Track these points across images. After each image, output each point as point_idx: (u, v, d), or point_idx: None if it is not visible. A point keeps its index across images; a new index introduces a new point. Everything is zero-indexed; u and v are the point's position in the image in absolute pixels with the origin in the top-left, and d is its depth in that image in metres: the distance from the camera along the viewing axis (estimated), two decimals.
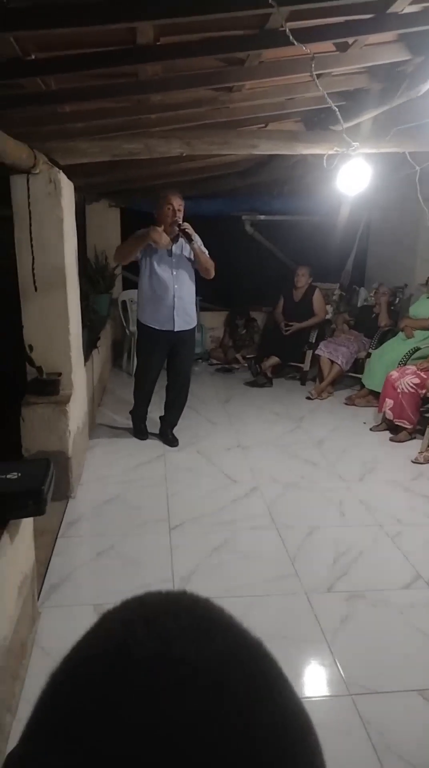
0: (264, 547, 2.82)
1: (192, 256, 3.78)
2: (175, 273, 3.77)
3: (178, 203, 3.67)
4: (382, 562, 2.73)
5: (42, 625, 2.25)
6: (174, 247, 3.76)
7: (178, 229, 3.64)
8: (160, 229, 3.61)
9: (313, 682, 2.03)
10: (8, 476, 1.92)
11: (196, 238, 3.71)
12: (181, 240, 3.73)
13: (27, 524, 2.10)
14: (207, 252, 3.81)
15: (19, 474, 1.93)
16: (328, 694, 1.98)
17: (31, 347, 3.18)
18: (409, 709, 1.91)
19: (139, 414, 4.22)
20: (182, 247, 3.78)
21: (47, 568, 2.61)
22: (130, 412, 4.28)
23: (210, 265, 3.79)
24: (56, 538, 2.85)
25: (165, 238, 3.63)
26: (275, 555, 2.76)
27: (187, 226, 3.64)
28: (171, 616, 0.37)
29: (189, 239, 3.65)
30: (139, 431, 4.21)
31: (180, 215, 3.66)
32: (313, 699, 1.95)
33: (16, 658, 1.92)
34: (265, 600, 2.42)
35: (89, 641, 0.39)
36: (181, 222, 3.64)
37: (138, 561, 2.69)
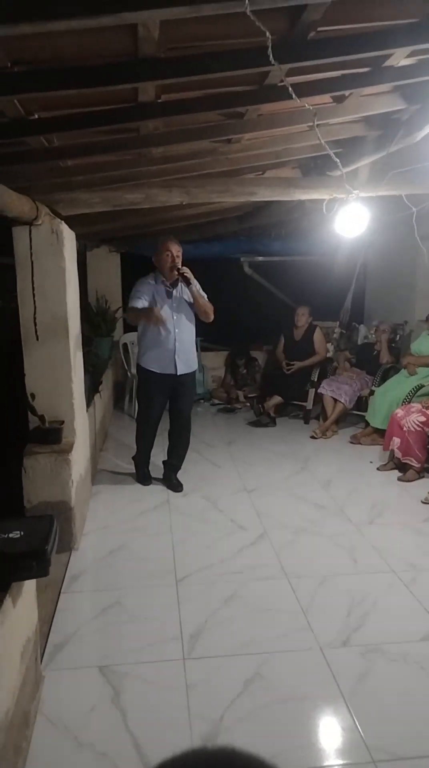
0: (275, 599, 2.72)
1: (191, 300, 3.80)
2: (175, 317, 3.79)
3: (176, 249, 3.72)
4: (398, 611, 2.63)
5: (46, 691, 2.14)
6: (174, 291, 3.79)
7: (176, 273, 3.68)
8: (158, 314, 3.62)
9: (333, 748, 1.91)
10: (10, 535, 1.86)
11: (195, 282, 3.74)
12: (181, 284, 3.76)
13: (30, 585, 2.02)
14: (206, 296, 3.83)
15: (22, 533, 1.87)
16: (349, 762, 1.86)
17: (33, 396, 3.15)
18: None
19: (141, 459, 4.16)
20: (182, 291, 3.81)
21: (50, 627, 2.51)
22: (133, 458, 4.22)
23: (209, 308, 3.81)
24: (59, 594, 2.76)
25: (160, 317, 3.63)
26: (287, 607, 2.66)
27: (185, 270, 3.69)
28: None
29: (187, 282, 3.69)
30: (143, 477, 4.14)
31: (178, 261, 3.71)
32: (334, 767, 1.84)
33: (18, 730, 1.82)
34: (279, 657, 2.32)
35: None
36: (180, 267, 3.68)
37: (145, 617, 2.59)
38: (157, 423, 4.05)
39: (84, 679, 2.21)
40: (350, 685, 2.16)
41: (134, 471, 4.21)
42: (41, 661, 2.24)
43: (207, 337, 6.76)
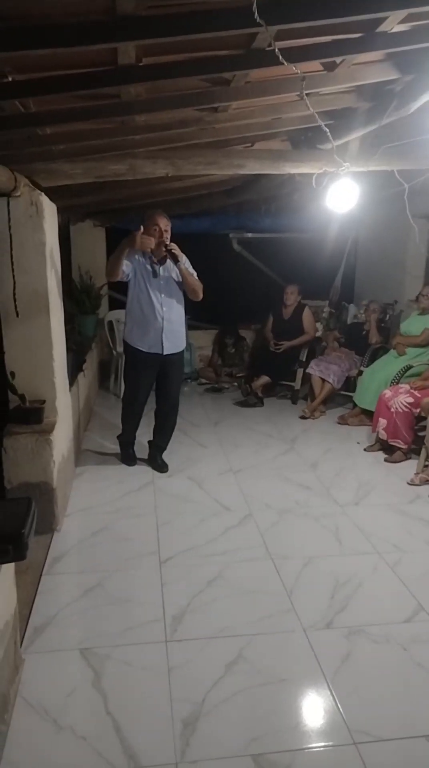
0: (259, 581, 2.70)
1: (179, 278, 3.70)
2: (163, 295, 3.69)
3: (164, 224, 3.60)
4: (382, 593, 2.62)
5: (25, 674, 2.11)
6: (161, 269, 3.68)
7: (164, 249, 3.57)
8: (137, 232, 3.46)
9: (315, 730, 1.91)
10: None
11: (184, 258, 3.64)
12: (169, 262, 3.65)
13: (7, 568, 1.97)
14: (195, 273, 3.73)
15: None
16: (331, 743, 1.85)
17: (13, 374, 3.07)
18: (418, 758, 1.80)
19: (127, 439, 4.11)
20: (170, 269, 3.70)
21: (31, 609, 2.48)
22: (118, 437, 4.16)
23: (198, 286, 3.72)
24: (41, 576, 2.72)
25: (143, 240, 3.46)
26: (271, 589, 2.64)
27: (173, 246, 3.57)
28: None
29: (175, 260, 3.58)
30: (127, 457, 4.09)
31: (167, 236, 3.59)
32: (315, 749, 1.84)
33: None
34: (262, 639, 2.31)
35: None
36: (168, 242, 3.57)
37: (127, 599, 2.56)
38: (144, 403, 3.99)
39: (65, 661, 2.19)
40: (333, 667, 2.15)
41: (119, 451, 4.15)
42: (21, 644, 2.21)
43: (195, 315, 6.66)
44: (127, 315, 3.84)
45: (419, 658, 2.20)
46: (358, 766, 1.76)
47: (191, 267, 3.73)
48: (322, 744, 1.86)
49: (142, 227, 3.50)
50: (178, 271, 3.67)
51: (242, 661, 2.18)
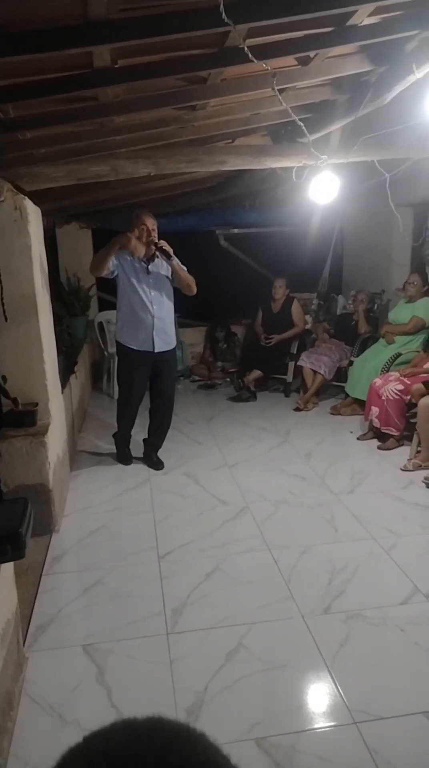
0: (257, 571, 2.75)
1: (170, 274, 3.72)
2: (153, 293, 3.71)
3: (151, 223, 3.61)
4: (379, 577, 2.67)
5: (30, 672, 2.14)
6: (150, 267, 3.69)
7: (154, 247, 3.59)
8: (132, 234, 3.54)
9: (317, 712, 1.95)
10: None
11: (174, 256, 3.65)
12: (158, 259, 3.66)
13: (6, 568, 2.00)
14: (186, 269, 3.75)
15: None
16: (332, 724, 1.90)
17: (4, 378, 3.09)
18: (416, 734, 1.85)
19: (122, 439, 4.12)
20: (159, 266, 3.72)
21: (32, 609, 2.51)
22: (114, 436, 4.18)
23: (191, 281, 3.74)
24: (41, 576, 2.75)
25: (136, 243, 3.56)
26: (269, 578, 2.68)
27: (163, 243, 3.59)
28: None
29: (168, 256, 3.60)
30: (123, 456, 4.11)
31: (154, 234, 3.61)
32: (318, 730, 1.88)
33: (2, 710, 1.82)
34: (262, 627, 2.35)
35: None
36: (157, 240, 3.59)
37: (127, 594, 2.60)
38: (138, 402, 3.99)
39: (68, 658, 2.22)
40: (332, 651, 2.19)
41: (115, 450, 4.17)
42: (24, 643, 2.24)
43: (185, 312, 6.69)
44: (117, 314, 3.86)
45: (416, 638, 2.25)
46: (359, 745, 1.80)
47: (181, 263, 3.74)
48: (324, 725, 1.90)
49: (136, 231, 3.55)
50: (167, 268, 3.69)
51: (243, 650, 2.22)
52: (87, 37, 1.55)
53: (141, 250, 3.63)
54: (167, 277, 3.75)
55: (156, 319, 3.72)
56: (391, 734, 1.84)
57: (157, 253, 3.60)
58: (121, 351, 3.88)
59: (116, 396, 4.13)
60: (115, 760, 0.34)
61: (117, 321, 3.88)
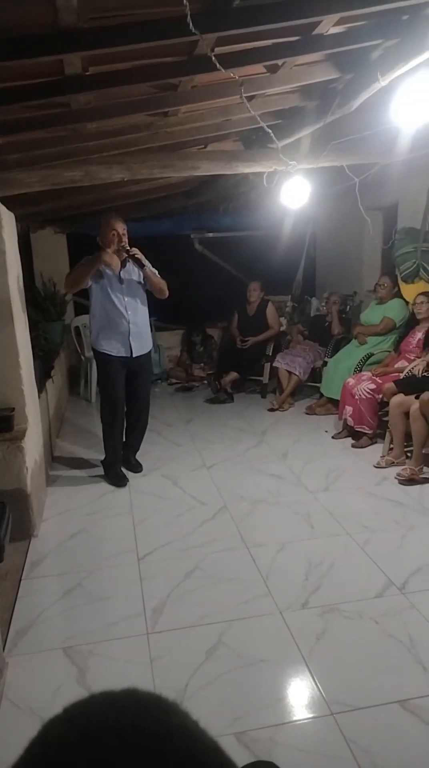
0: (236, 569, 2.78)
1: (142, 280, 3.72)
2: (126, 299, 3.69)
3: (121, 228, 3.60)
4: (354, 572, 2.73)
5: (10, 676, 2.14)
6: (122, 273, 3.67)
7: (126, 254, 3.58)
8: (110, 250, 3.56)
9: (295, 705, 1.99)
10: None
11: (146, 262, 3.63)
12: (130, 265, 3.66)
13: None
14: (157, 272, 3.74)
15: None
16: (310, 716, 1.94)
17: None
18: (391, 723, 1.90)
19: (114, 458, 3.87)
20: (131, 272, 3.71)
21: (12, 614, 2.50)
22: (103, 462, 3.92)
23: (163, 284, 3.72)
24: (20, 581, 2.74)
25: (115, 259, 3.60)
26: (247, 575, 2.72)
27: (136, 251, 3.57)
28: (114, 734, 0.34)
29: (141, 265, 3.59)
30: (117, 478, 3.83)
31: (125, 239, 3.60)
32: (296, 723, 1.92)
33: None
34: (240, 624, 2.38)
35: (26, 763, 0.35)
36: (128, 247, 3.58)
37: (107, 596, 2.61)
38: (123, 414, 3.87)
39: (48, 661, 2.22)
40: (309, 644, 2.24)
41: (97, 460, 3.99)
42: (4, 648, 2.24)
43: (161, 316, 6.71)
44: (91, 321, 3.80)
45: (391, 630, 2.31)
46: (336, 735, 1.84)
47: (153, 267, 3.73)
48: (302, 717, 1.94)
49: (112, 246, 3.54)
50: (139, 274, 3.69)
51: (222, 647, 2.25)
52: (57, 45, 1.57)
53: (117, 264, 3.61)
54: (139, 282, 3.73)
55: (131, 324, 3.70)
56: (367, 724, 1.89)
57: (129, 259, 3.59)
58: (100, 359, 3.78)
59: (98, 411, 3.87)
60: (93, 724, 0.37)
61: (91, 329, 3.80)
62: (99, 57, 1.81)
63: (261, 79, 2.34)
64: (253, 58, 2.06)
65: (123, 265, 3.65)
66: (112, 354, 3.72)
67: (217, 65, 1.68)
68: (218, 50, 1.84)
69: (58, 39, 1.54)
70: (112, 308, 3.66)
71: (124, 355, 3.72)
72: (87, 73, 1.88)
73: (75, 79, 1.86)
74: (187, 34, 1.45)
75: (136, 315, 3.74)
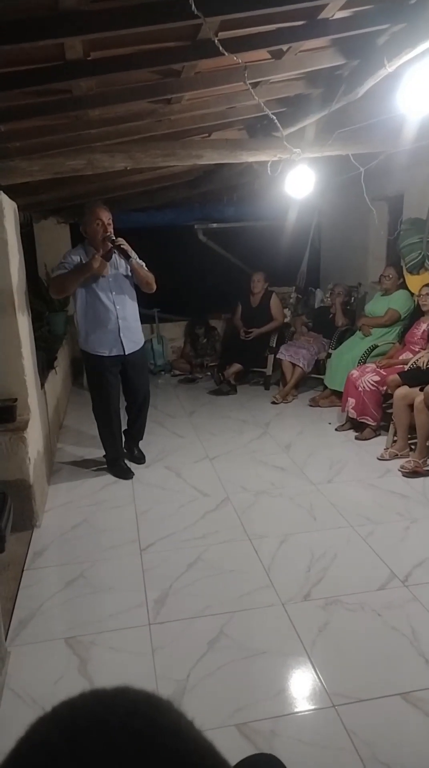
0: (238, 560, 2.78)
1: (129, 272, 3.56)
2: (114, 294, 3.51)
3: (106, 217, 3.43)
4: (357, 564, 2.72)
5: (12, 666, 2.15)
6: (108, 266, 3.48)
7: (111, 245, 3.40)
8: (98, 255, 3.40)
9: (296, 696, 1.99)
10: None
11: (133, 253, 3.49)
12: (115, 257, 3.49)
13: None
14: (145, 264, 3.59)
15: None
16: (311, 707, 1.94)
17: None
18: (393, 715, 1.89)
19: (115, 454, 3.84)
20: (118, 265, 3.54)
21: (14, 604, 2.51)
22: (105, 457, 3.88)
23: (150, 278, 3.56)
24: (22, 571, 2.75)
25: (105, 265, 3.44)
26: (250, 567, 2.72)
27: (121, 241, 3.40)
28: (102, 735, 0.33)
29: (126, 257, 3.44)
30: (121, 472, 3.80)
31: (110, 229, 3.44)
32: (298, 714, 1.92)
33: None
34: (242, 615, 2.38)
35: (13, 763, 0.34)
36: (113, 237, 3.41)
37: (109, 587, 2.61)
38: (118, 413, 3.78)
39: (50, 651, 2.23)
40: (311, 636, 2.23)
41: (100, 452, 3.92)
42: (6, 638, 2.24)
43: (165, 308, 6.70)
44: (78, 321, 3.60)
45: (393, 622, 2.30)
46: (338, 726, 1.84)
47: (139, 258, 3.56)
48: (303, 709, 1.94)
49: (100, 250, 3.41)
50: (126, 267, 3.54)
51: (224, 638, 2.25)
52: (58, 29, 1.54)
53: (107, 270, 3.46)
54: (126, 275, 3.57)
55: (120, 319, 3.54)
56: (369, 716, 1.89)
57: (114, 250, 3.42)
58: (90, 361, 3.63)
59: (94, 412, 3.81)
60: (79, 726, 0.36)
61: (79, 330, 3.62)
62: (101, 41, 1.77)
63: (265, 66, 2.30)
64: (258, 43, 2.02)
65: (108, 257, 3.47)
66: (104, 354, 3.58)
67: (221, 48, 1.65)
68: (222, 35, 1.80)
69: (59, 22, 1.51)
70: (100, 305, 3.51)
71: (117, 353, 3.59)
72: (89, 58, 1.85)
73: (76, 65, 1.83)
74: (190, 17, 1.42)
75: (125, 309, 3.58)
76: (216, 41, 1.63)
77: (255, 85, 2.23)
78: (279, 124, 2.59)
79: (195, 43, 1.86)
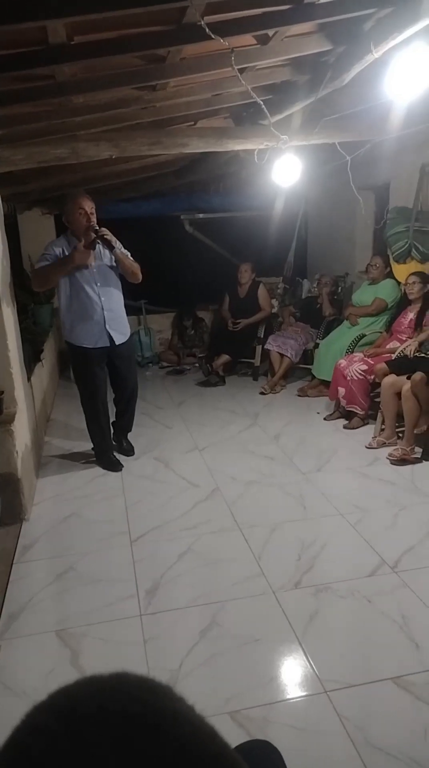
0: (229, 550, 2.78)
1: (114, 263, 3.51)
2: (98, 285, 3.45)
3: (89, 206, 3.35)
4: (346, 551, 2.74)
5: (3, 659, 2.14)
6: (92, 256, 3.42)
7: (94, 235, 3.33)
8: (81, 245, 3.33)
9: (288, 683, 2.00)
10: None
11: (117, 243, 3.43)
12: (99, 247, 3.43)
13: None
14: (129, 254, 3.55)
15: None
16: (304, 694, 1.95)
17: None
18: (384, 699, 1.91)
19: (104, 446, 3.81)
20: (102, 255, 3.48)
21: (4, 598, 2.49)
22: (93, 449, 3.87)
23: (136, 268, 3.50)
24: (12, 565, 2.73)
25: (88, 256, 3.38)
26: (240, 556, 2.72)
27: (105, 231, 3.33)
28: (100, 721, 0.32)
29: (110, 247, 3.38)
30: (110, 464, 3.77)
31: (93, 219, 3.36)
32: (290, 701, 1.93)
33: None
34: (234, 604, 2.38)
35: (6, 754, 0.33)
36: (97, 227, 3.34)
37: (100, 579, 2.60)
38: (106, 406, 3.75)
39: (41, 644, 2.22)
40: (302, 624, 2.24)
41: (89, 445, 3.90)
42: None
43: (152, 299, 6.66)
44: (62, 314, 3.54)
45: (383, 608, 2.32)
46: (329, 711, 1.85)
47: (124, 248, 3.51)
48: (295, 695, 1.95)
49: (83, 240, 3.33)
50: (110, 257, 3.48)
51: (216, 627, 2.25)
52: (40, 11, 1.51)
53: (90, 260, 3.41)
54: (111, 266, 3.52)
55: (106, 311, 3.49)
56: (360, 701, 1.90)
57: (98, 240, 3.35)
58: (76, 353, 3.57)
59: (81, 405, 3.77)
60: (77, 712, 0.35)
61: (63, 321, 3.56)
62: (84, 25, 1.74)
63: (251, 51, 2.28)
64: (243, 27, 2.00)
65: (92, 247, 3.38)
66: (90, 347, 3.53)
67: (208, 30, 1.62)
68: (208, 19, 1.78)
69: (41, 3, 1.48)
70: (84, 296, 3.44)
71: (104, 345, 3.54)
72: (72, 43, 1.81)
73: (59, 49, 1.79)
74: None
75: (110, 301, 3.52)
76: (203, 24, 1.60)
77: (241, 71, 2.20)
78: (267, 111, 2.57)
79: (181, 27, 1.83)
